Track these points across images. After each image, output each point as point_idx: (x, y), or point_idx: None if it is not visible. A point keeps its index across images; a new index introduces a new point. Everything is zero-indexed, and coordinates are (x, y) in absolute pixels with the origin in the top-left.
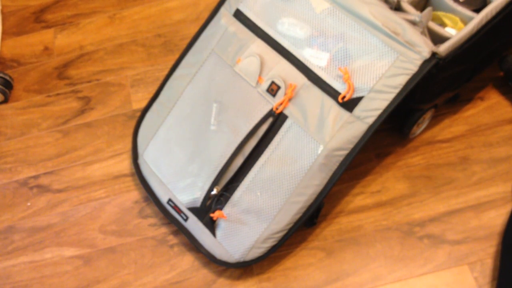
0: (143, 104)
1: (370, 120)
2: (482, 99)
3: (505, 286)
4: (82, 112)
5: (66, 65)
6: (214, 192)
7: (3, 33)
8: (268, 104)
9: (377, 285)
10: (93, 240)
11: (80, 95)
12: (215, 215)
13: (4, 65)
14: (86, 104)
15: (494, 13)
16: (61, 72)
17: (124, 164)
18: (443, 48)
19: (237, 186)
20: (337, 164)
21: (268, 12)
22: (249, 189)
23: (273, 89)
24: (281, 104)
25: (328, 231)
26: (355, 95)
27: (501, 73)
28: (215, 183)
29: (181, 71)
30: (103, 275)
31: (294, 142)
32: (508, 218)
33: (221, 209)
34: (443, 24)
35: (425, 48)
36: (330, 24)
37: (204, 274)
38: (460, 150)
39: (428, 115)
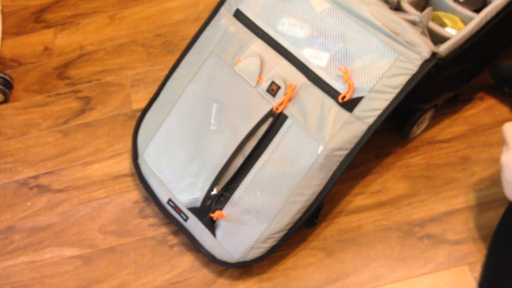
0: (143, 104)
1: (370, 120)
2: (482, 99)
3: (490, 276)
4: (82, 112)
5: (66, 65)
6: (214, 192)
7: (3, 33)
8: (268, 104)
9: (377, 285)
10: (93, 240)
11: (80, 95)
12: (215, 215)
13: (4, 65)
14: (86, 104)
15: (494, 13)
16: (61, 72)
17: (124, 164)
18: (443, 48)
19: (237, 186)
20: (337, 164)
21: (268, 12)
22: (249, 189)
23: (273, 89)
24: (281, 104)
25: (328, 231)
26: (355, 95)
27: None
28: (215, 183)
29: (181, 71)
30: (103, 275)
31: (294, 142)
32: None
33: (221, 209)
34: (443, 24)
35: (425, 48)
36: (330, 24)
37: (204, 274)
38: (460, 150)
39: (428, 115)
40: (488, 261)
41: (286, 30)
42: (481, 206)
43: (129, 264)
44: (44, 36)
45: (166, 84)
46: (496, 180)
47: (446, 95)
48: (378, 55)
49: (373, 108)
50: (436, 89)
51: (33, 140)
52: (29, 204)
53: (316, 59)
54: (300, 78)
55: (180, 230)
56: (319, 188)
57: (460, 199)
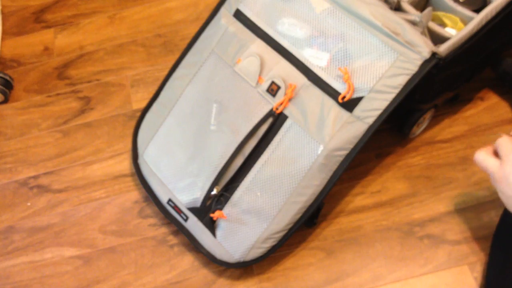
0: (143, 104)
1: (370, 120)
2: (482, 99)
3: (494, 277)
4: (82, 112)
5: (66, 65)
6: (214, 192)
7: (3, 33)
8: (268, 104)
9: (377, 285)
10: (93, 240)
11: (80, 95)
12: (215, 215)
13: (4, 65)
14: (86, 104)
15: (494, 13)
16: (61, 72)
17: (124, 164)
18: (443, 48)
19: (237, 186)
20: (337, 164)
21: (268, 12)
22: (249, 189)
23: (273, 89)
24: (281, 104)
25: (328, 231)
26: (355, 95)
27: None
28: (215, 183)
29: (181, 71)
30: (103, 275)
31: (294, 142)
32: (501, 214)
33: (221, 209)
34: (443, 24)
35: (425, 48)
36: (330, 24)
37: (204, 274)
38: (460, 150)
39: (428, 115)
40: (490, 264)
41: (286, 30)
42: (481, 206)
43: (129, 264)
44: (44, 36)
45: (166, 84)
46: None
47: (446, 95)
48: (378, 55)
49: (373, 108)
50: (436, 89)
51: (33, 140)
52: (29, 204)
53: (316, 59)
54: (300, 78)
55: (180, 230)
56: (319, 188)
57: (460, 199)
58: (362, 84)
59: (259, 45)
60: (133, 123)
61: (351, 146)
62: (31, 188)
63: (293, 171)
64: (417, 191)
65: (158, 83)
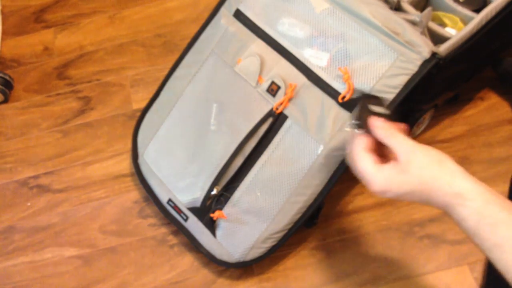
0: (143, 104)
1: None
2: (482, 99)
3: (493, 277)
4: (82, 112)
5: (66, 65)
6: (214, 192)
7: (3, 33)
8: (268, 104)
9: (377, 285)
10: (93, 240)
11: (80, 95)
12: (215, 215)
13: (4, 65)
14: (86, 104)
15: (494, 13)
16: (61, 72)
17: (124, 164)
18: (443, 48)
19: (237, 186)
20: (337, 164)
21: (268, 12)
22: (249, 189)
23: (273, 89)
24: (281, 104)
25: (328, 231)
26: (355, 95)
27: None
28: (215, 183)
29: (181, 71)
30: (103, 275)
31: (294, 142)
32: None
33: (221, 209)
34: (443, 24)
35: (425, 48)
36: (330, 24)
37: (204, 274)
38: (460, 150)
39: (428, 115)
40: (489, 264)
41: (286, 30)
42: None
43: (129, 264)
44: (44, 36)
45: (166, 84)
46: (496, 180)
47: (446, 95)
48: (378, 55)
49: None
50: (436, 89)
51: (33, 140)
52: (29, 204)
53: (316, 59)
54: (300, 78)
55: (180, 230)
56: (319, 188)
57: None
58: (362, 84)
59: (259, 45)
60: (133, 123)
61: None
62: (31, 188)
63: (293, 171)
64: None
65: (158, 83)
